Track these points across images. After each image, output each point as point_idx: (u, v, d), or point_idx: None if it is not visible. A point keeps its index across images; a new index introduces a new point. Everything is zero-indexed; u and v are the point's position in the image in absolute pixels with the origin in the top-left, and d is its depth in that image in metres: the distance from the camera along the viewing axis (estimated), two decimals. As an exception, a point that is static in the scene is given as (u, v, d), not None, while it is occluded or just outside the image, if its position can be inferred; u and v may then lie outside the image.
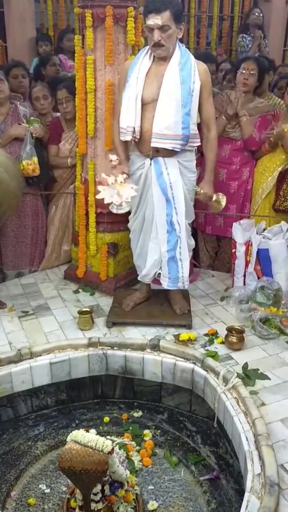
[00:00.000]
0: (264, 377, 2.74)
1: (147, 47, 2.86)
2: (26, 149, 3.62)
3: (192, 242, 3.27)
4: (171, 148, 2.85)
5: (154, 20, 2.66)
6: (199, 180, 3.23)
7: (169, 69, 2.80)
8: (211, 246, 4.25)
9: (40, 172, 3.73)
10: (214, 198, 3.04)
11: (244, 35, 5.96)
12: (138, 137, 2.90)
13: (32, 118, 3.77)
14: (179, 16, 2.74)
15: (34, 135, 3.66)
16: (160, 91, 2.79)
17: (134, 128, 2.86)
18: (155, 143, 2.84)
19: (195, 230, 4.13)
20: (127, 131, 2.88)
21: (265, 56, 5.57)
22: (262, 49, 5.79)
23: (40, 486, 2.55)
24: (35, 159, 3.66)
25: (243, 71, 3.74)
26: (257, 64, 3.78)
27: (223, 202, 3.07)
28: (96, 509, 2.15)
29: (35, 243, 4.00)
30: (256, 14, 5.85)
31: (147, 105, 2.84)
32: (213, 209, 3.15)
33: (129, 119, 2.85)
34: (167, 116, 2.79)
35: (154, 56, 2.85)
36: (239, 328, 3.06)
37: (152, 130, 2.82)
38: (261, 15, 5.85)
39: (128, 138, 2.90)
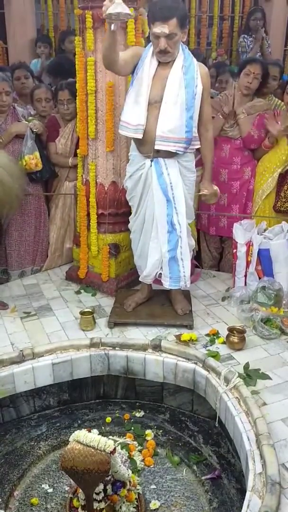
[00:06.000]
0: (265, 377, 2.75)
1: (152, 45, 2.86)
2: (27, 144, 3.65)
3: (192, 242, 3.28)
4: (175, 151, 2.86)
5: (161, 29, 2.65)
6: (200, 180, 3.25)
7: (173, 72, 2.80)
8: (214, 247, 4.26)
9: (43, 167, 3.76)
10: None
11: (246, 35, 5.95)
12: (142, 136, 2.90)
13: (30, 117, 3.82)
14: (184, 21, 2.74)
15: (34, 131, 3.68)
16: (164, 94, 2.80)
17: (144, 127, 2.85)
18: (159, 146, 2.85)
19: (198, 231, 4.14)
20: (138, 129, 2.86)
21: (267, 57, 5.56)
22: (264, 50, 5.78)
23: (43, 486, 2.56)
24: (37, 153, 3.69)
25: (248, 74, 3.70)
26: (262, 68, 3.75)
27: (218, 192, 3.18)
28: (98, 509, 2.17)
29: (37, 241, 4.02)
30: (257, 18, 5.82)
31: (149, 106, 2.85)
32: (208, 201, 3.24)
33: (141, 116, 2.83)
34: (171, 119, 2.80)
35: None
36: (240, 328, 3.07)
37: (156, 132, 2.83)
38: (261, 20, 5.81)
39: (139, 136, 2.87)
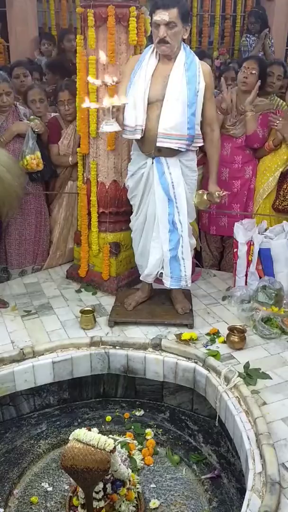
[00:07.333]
0: (265, 376, 2.75)
1: (152, 45, 2.86)
2: (28, 144, 3.64)
3: (193, 241, 3.28)
4: (177, 148, 2.86)
5: (161, 16, 2.67)
6: (203, 180, 3.24)
7: (175, 70, 2.81)
8: (214, 246, 4.25)
9: (43, 167, 3.76)
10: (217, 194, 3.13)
11: (248, 34, 5.95)
12: (142, 135, 2.90)
13: (32, 116, 3.80)
14: (186, 15, 2.76)
15: (35, 131, 3.68)
16: (166, 91, 2.80)
17: (142, 128, 2.86)
18: (161, 143, 2.85)
19: (199, 231, 4.13)
20: (136, 130, 2.87)
21: (270, 57, 5.55)
22: (266, 49, 5.77)
23: (42, 484, 2.56)
24: (38, 153, 3.68)
25: (244, 70, 3.75)
26: (258, 64, 3.77)
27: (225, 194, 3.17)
28: (98, 507, 2.17)
29: (38, 240, 4.02)
30: (251, 22, 5.85)
31: (151, 104, 2.85)
32: (202, 205, 3.22)
33: (139, 118, 2.84)
34: (173, 116, 2.80)
35: (159, 56, 2.85)
36: (240, 327, 3.07)
37: (158, 130, 2.83)
38: (256, 24, 5.81)
39: (138, 136, 2.89)
